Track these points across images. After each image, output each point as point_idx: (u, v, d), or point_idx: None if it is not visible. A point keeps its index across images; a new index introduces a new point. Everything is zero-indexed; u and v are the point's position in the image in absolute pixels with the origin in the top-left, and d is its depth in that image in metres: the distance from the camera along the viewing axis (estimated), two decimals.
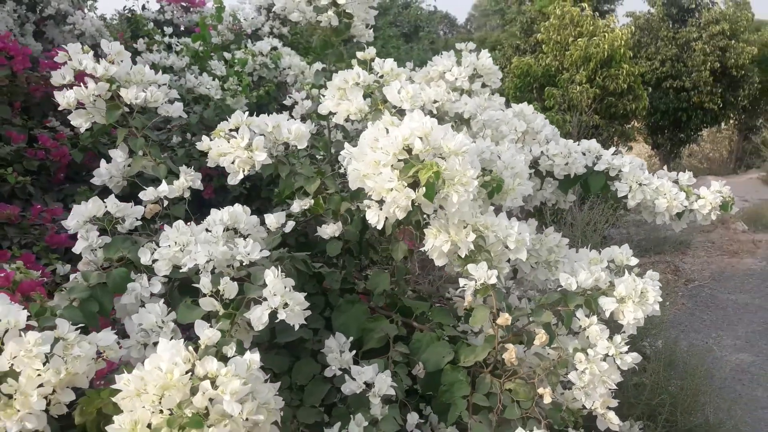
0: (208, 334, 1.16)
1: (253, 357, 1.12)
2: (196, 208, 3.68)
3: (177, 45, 4.17)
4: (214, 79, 3.45)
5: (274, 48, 3.96)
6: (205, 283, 1.29)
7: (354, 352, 1.59)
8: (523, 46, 10.92)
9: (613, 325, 1.64)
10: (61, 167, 2.99)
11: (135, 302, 1.43)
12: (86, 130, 1.76)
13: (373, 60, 1.79)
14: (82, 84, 1.72)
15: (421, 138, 1.40)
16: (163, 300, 1.49)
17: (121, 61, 1.83)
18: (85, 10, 4.79)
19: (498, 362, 1.63)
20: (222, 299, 1.30)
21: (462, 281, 1.53)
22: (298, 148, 1.65)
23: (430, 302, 1.90)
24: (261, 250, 1.39)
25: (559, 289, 1.65)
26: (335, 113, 1.71)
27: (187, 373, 1.07)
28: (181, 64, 3.80)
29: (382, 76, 1.75)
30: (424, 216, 1.50)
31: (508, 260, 1.66)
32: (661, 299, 1.60)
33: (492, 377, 1.59)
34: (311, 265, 1.91)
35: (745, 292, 5.62)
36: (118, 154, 1.80)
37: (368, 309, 1.82)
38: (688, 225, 2.16)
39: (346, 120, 1.72)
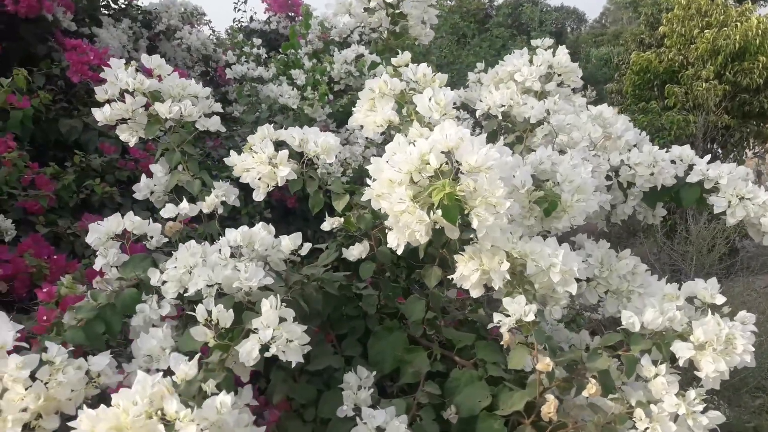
0: (184, 369, 1.07)
1: (224, 399, 1.01)
2: (281, 217, 3.62)
3: (266, 55, 4.24)
4: (293, 89, 3.44)
5: (360, 55, 3.89)
6: (200, 311, 1.20)
7: (372, 390, 1.43)
8: (648, 40, 10.00)
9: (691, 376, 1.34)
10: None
11: (144, 324, 1.38)
12: None
13: (407, 65, 1.62)
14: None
15: (445, 152, 1.21)
16: (178, 322, 1.44)
17: (168, 74, 1.82)
18: (196, 24, 5.02)
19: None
20: (217, 328, 1.20)
21: (496, 316, 1.32)
22: (327, 162, 1.53)
23: (477, 333, 1.69)
24: (264, 276, 1.28)
25: (621, 328, 1.38)
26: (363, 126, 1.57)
27: (152, 412, 0.98)
28: (267, 75, 3.86)
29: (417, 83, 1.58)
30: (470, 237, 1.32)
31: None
32: (752, 348, 1.28)
33: (533, 430, 1.36)
34: (355, 286, 1.78)
35: None
36: (158, 169, 1.78)
37: (407, 338, 1.66)
38: None
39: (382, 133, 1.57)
